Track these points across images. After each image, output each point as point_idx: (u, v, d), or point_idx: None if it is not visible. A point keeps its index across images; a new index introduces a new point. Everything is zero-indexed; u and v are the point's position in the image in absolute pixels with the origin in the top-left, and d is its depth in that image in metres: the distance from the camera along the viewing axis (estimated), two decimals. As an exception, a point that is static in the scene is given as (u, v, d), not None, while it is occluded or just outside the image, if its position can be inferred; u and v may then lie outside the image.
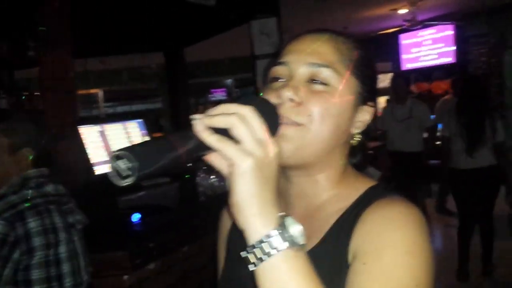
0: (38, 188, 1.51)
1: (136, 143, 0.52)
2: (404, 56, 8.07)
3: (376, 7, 6.38)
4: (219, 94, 11.66)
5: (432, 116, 5.23)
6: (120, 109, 10.10)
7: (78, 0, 2.68)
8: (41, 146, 1.61)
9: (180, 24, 4.55)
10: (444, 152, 3.92)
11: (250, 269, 0.57)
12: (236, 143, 0.55)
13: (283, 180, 0.79)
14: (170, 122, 5.67)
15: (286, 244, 0.55)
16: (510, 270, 3.91)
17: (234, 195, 0.55)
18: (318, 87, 0.73)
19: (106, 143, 2.15)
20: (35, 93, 4.24)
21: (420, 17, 6.67)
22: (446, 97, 5.75)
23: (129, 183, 0.49)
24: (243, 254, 0.57)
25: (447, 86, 7.45)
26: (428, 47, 7.72)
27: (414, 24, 6.58)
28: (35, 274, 1.41)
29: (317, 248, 0.72)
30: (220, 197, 2.60)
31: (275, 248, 0.54)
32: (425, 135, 4.80)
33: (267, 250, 0.54)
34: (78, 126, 2.00)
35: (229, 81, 10.76)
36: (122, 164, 0.49)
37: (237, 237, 0.85)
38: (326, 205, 0.77)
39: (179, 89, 5.61)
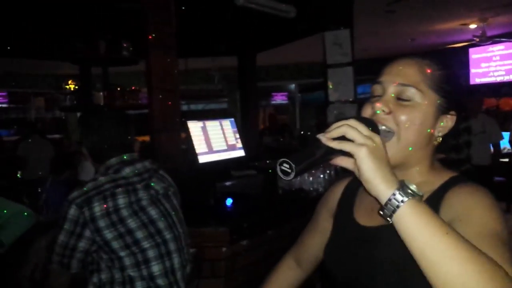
0: (115, 173, 1.80)
1: (291, 154, 0.80)
2: (473, 70, 7.97)
3: (445, 21, 6.38)
4: (279, 98, 12.00)
5: (505, 132, 5.29)
6: (186, 107, 10.66)
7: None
8: (95, 143, 1.86)
9: (257, 32, 4.90)
10: None
11: (389, 221, 0.77)
12: (351, 142, 0.78)
13: None
14: (239, 122, 6.00)
15: (408, 197, 0.75)
16: None
17: (362, 174, 0.77)
18: (404, 102, 0.93)
19: (206, 136, 2.49)
20: (127, 89, 4.67)
21: (490, 33, 6.60)
22: None
23: (291, 178, 0.78)
24: (380, 212, 0.78)
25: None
26: (497, 63, 7.61)
27: (483, 40, 6.54)
28: (115, 244, 1.72)
29: None
30: (295, 193, 2.88)
31: (401, 201, 0.75)
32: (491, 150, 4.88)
33: (396, 204, 0.75)
34: (187, 121, 2.34)
35: (292, 86, 11.02)
36: (285, 166, 0.77)
37: (345, 211, 1.12)
38: (418, 187, 1.02)
39: (249, 92, 5.95)
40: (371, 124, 0.87)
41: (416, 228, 0.74)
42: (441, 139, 1.00)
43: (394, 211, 0.75)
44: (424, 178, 1.00)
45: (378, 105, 0.94)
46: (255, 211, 2.45)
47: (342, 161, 0.82)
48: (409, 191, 0.76)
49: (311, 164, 0.80)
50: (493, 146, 4.85)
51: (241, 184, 2.60)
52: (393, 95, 0.95)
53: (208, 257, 2.15)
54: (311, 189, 2.87)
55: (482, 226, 0.82)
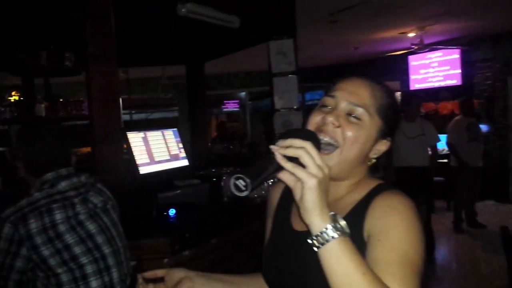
0: (50, 188, 1.77)
1: (245, 168, 0.80)
2: (412, 77, 8.35)
3: (385, 30, 6.65)
4: (231, 105, 12.05)
5: (442, 135, 5.61)
6: (136, 116, 10.47)
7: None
8: (33, 156, 1.82)
9: (204, 41, 4.92)
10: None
11: (315, 250, 0.81)
12: (303, 167, 0.80)
13: None
14: (189, 131, 5.97)
15: (337, 233, 0.80)
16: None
17: (303, 202, 0.80)
18: (353, 119, 0.99)
19: (148, 147, 2.48)
20: (70, 100, 4.55)
21: (427, 41, 6.94)
22: (458, 117, 6.09)
23: (245, 194, 0.78)
24: (309, 240, 0.82)
25: (453, 106, 7.77)
26: (435, 69, 8.01)
27: (421, 48, 6.88)
28: (52, 261, 1.69)
29: None
30: (240, 200, 2.92)
31: (330, 237, 0.79)
32: (429, 152, 5.15)
33: (326, 238, 0.79)
34: (127, 132, 2.33)
35: (242, 93, 11.10)
36: (241, 183, 0.78)
37: (282, 215, 1.16)
38: (345, 197, 1.05)
39: (198, 100, 5.95)
40: (316, 141, 0.91)
41: (339, 264, 0.79)
42: (374, 160, 1.06)
43: (322, 244, 0.80)
44: (353, 188, 1.05)
45: (330, 118, 0.98)
46: (198, 220, 2.46)
47: (285, 177, 0.83)
48: (339, 227, 0.81)
49: (264, 179, 0.81)
50: (431, 148, 5.12)
51: (185, 193, 2.60)
52: (344, 111, 1.00)
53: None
54: (256, 195, 2.91)
55: (396, 251, 0.87)
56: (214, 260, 2.40)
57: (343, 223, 0.81)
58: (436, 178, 5.98)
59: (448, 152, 6.29)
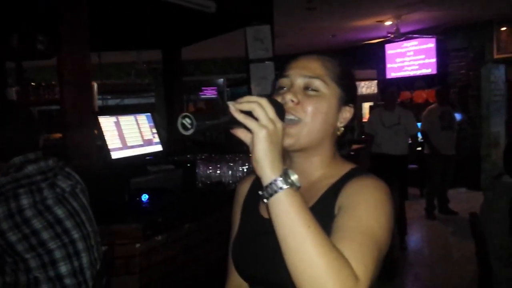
0: (17, 172, 1.73)
1: (196, 113, 0.82)
2: (389, 65, 8.43)
3: (363, 18, 6.69)
4: (209, 92, 11.97)
5: (417, 123, 5.71)
6: (112, 102, 10.31)
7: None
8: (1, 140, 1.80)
9: (180, 26, 4.85)
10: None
11: (265, 202, 0.82)
12: (256, 120, 0.81)
13: (288, 161, 1.09)
14: (165, 117, 5.92)
15: (287, 185, 0.81)
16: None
17: (255, 153, 0.81)
18: (311, 92, 1.01)
19: (120, 132, 2.45)
20: (42, 84, 4.45)
21: (403, 30, 7.01)
22: (432, 106, 6.19)
23: (189, 133, 0.81)
24: (260, 192, 0.83)
25: (428, 95, 7.90)
26: (411, 58, 8.10)
27: (397, 36, 6.95)
28: (19, 247, 1.67)
29: (313, 207, 0.98)
30: (214, 185, 2.93)
31: (280, 188, 0.80)
32: (409, 141, 5.24)
33: (274, 189, 0.80)
34: (98, 116, 2.29)
35: (220, 80, 11.03)
36: (187, 121, 0.80)
37: (251, 205, 1.15)
38: (319, 181, 1.06)
39: (174, 86, 5.88)
40: (280, 108, 0.91)
41: (285, 215, 0.80)
42: (343, 129, 1.08)
43: (271, 195, 0.81)
44: (326, 170, 1.06)
45: (287, 96, 0.99)
46: (171, 206, 2.46)
47: (241, 134, 0.85)
48: (290, 180, 0.81)
49: (213, 126, 0.84)
50: (411, 138, 5.22)
51: (159, 179, 2.59)
52: (301, 86, 1.02)
53: (122, 254, 2.13)
54: (230, 181, 2.92)
55: (360, 221, 0.88)
56: (187, 245, 2.41)
57: (294, 177, 0.82)
58: (410, 166, 6.10)
59: (422, 140, 6.41)
